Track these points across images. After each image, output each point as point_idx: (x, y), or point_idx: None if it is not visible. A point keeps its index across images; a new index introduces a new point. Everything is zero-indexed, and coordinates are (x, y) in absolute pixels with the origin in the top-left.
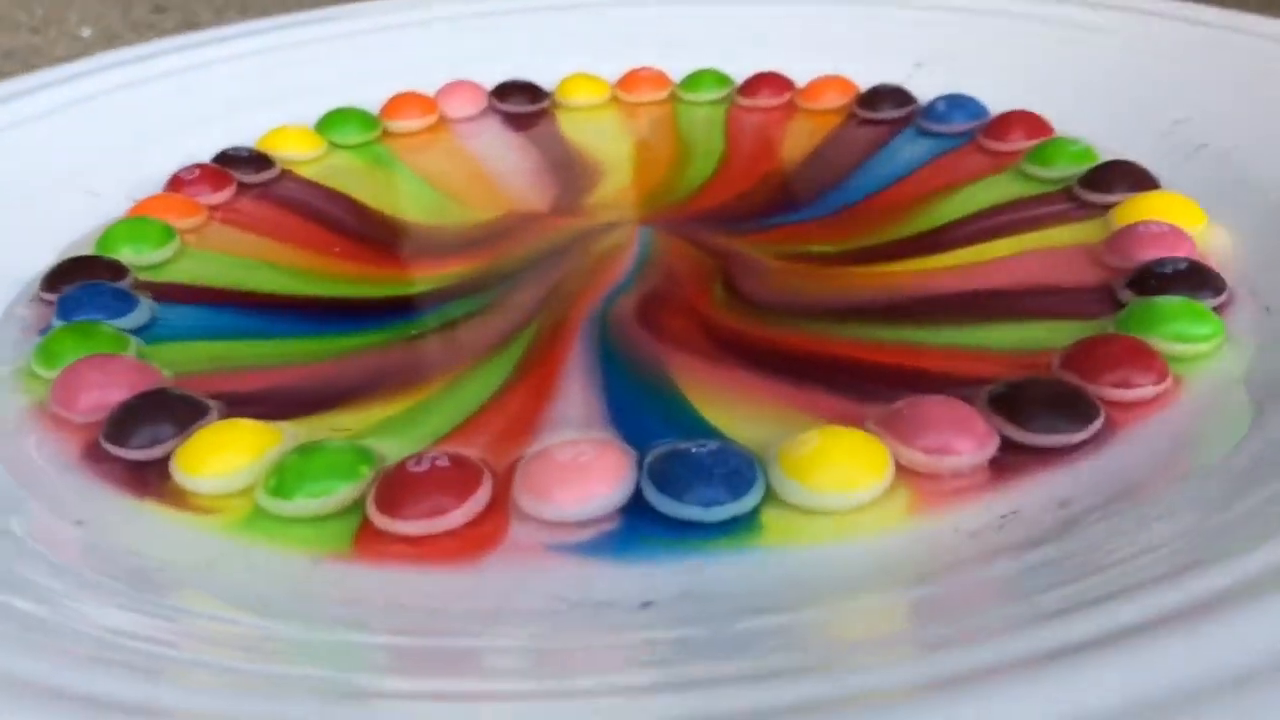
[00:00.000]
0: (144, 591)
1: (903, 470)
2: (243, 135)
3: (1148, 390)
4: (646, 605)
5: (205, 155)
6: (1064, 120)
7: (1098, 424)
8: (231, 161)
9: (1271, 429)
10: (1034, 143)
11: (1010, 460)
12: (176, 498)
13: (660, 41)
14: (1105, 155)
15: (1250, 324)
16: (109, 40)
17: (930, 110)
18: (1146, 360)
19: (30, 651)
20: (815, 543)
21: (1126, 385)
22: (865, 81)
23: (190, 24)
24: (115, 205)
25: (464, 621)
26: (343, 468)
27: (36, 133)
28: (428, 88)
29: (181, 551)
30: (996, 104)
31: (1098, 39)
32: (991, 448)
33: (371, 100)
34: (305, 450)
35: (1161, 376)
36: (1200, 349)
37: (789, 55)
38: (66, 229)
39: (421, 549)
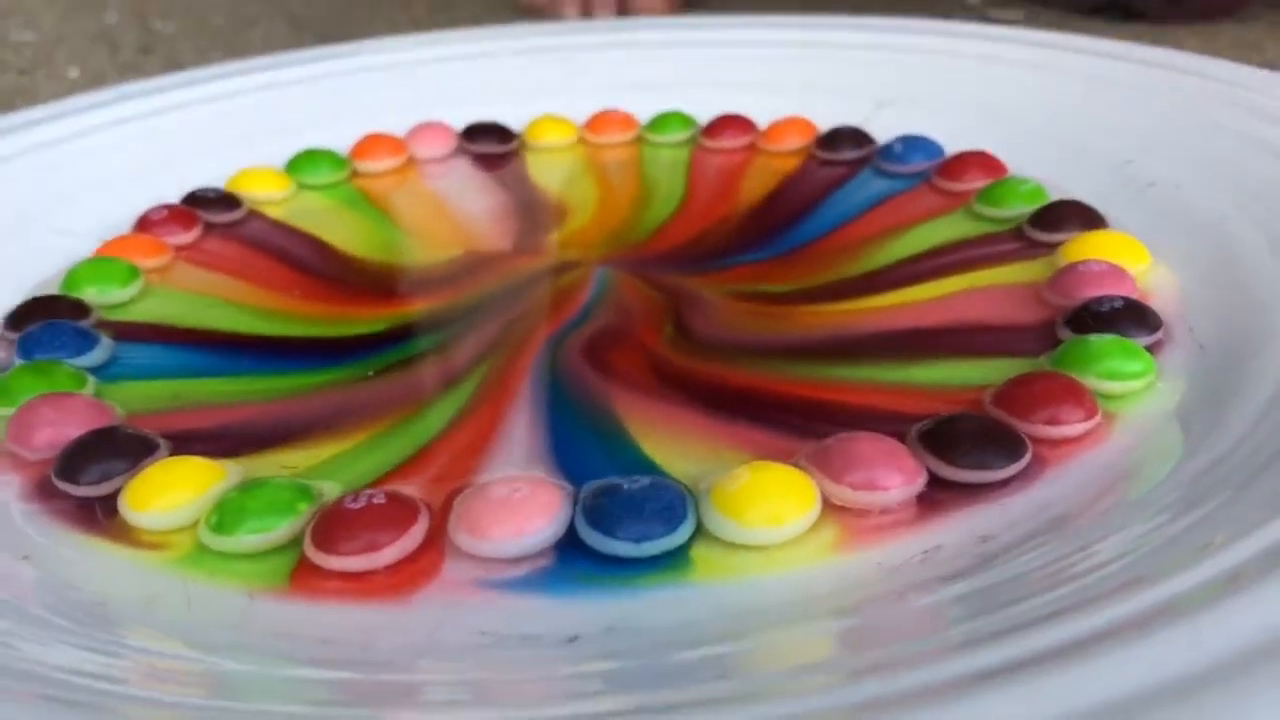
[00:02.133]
0: (86, 626)
1: (830, 506)
2: (214, 175)
3: (1076, 427)
4: (573, 640)
5: (176, 195)
6: (1018, 159)
7: (1024, 460)
8: (200, 202)
9: (1199, 461)
10: (986, 181)
11: (937, 496)
12: (122, 533)
13: (628, 84)
14: (1056, 194)
15: (1184, 362)
16: (95, 81)
17: (887, 151)
18: (1076, 398)
19: None
20: (743, 577)
21: (1055, 422)
22: (827, 122)
23: (175, 65)
24: (85, 244)
25: (394, 655)
26: (281, 505)
27: (7, 173)
28: (398, 129)
29: (124, 587)
30: (954, 144)
31: (1053, 80)
32: (919, 484)
33: (343, 141)
34: (246, 487)
35: (1090, 414)
36: (1131, 386)
37: (754, 96)
38: (35, 268)
39: (355, 585)
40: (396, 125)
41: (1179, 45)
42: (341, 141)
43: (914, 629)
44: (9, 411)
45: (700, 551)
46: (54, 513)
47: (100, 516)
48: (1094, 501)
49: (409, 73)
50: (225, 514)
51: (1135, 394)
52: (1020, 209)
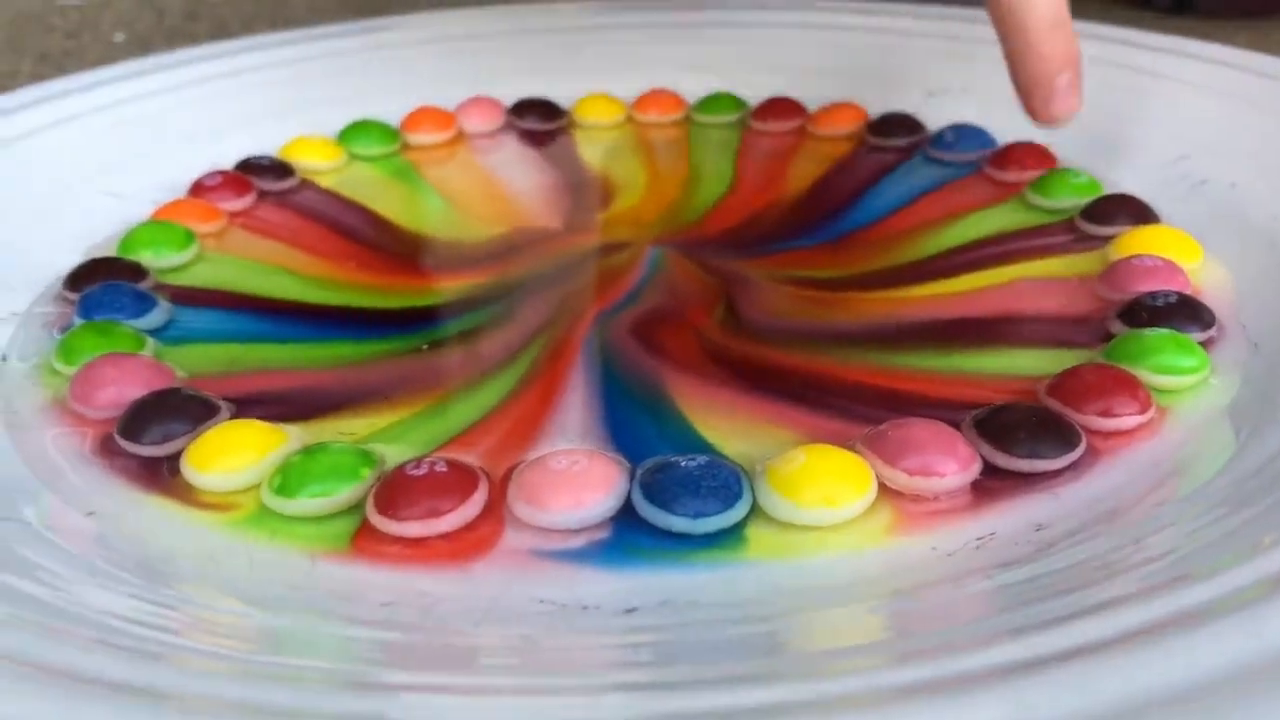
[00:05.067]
0: (149, 581)
1: (886, 490)
2: (266, 144)
3: (1130, 420)
4: (630, 611)
5: (228, 162)
6: (1069, 153)
7: (1079, 451)
8: (253, 169)
9: (1250, 459)
10: (1038, 173)
11: (991, 484)
12: (185, 493)
13: (678, 64)
14: (1108, 187)
15: (1237, 358)
16: (141, 46)
17: (938, 139)
18: (1130, 391)
19: (38, 634)
20: (797, 557)
21: (1109, 414)
22: (878, 109)
23: (220, 32)
24: (139, 208)
25: (453, 620)
26: (344, 469)
27: (63, 136)
28: (449, 102)
29: (187, 544)
30: (1005, 136)
31: (1105, 74)
32: (973, 471)
33: (393, 113)
34: (309, 451)
35: (1144, 407)
36: (1185, 381)
37: (805, 80)
38: (90, 230)
39: (416, 550)
40: (447, 99)
41: (1230, 41)
42: (393, 113)
43: (966, 614)
44: (71, 370)
45: (755, 530)
46: (118, 470)
47: (164, 475)
48: (1146, 495)
49: (460, 46)
50: (289, 477)
51: (1188, 389)
52: (1073, 201)
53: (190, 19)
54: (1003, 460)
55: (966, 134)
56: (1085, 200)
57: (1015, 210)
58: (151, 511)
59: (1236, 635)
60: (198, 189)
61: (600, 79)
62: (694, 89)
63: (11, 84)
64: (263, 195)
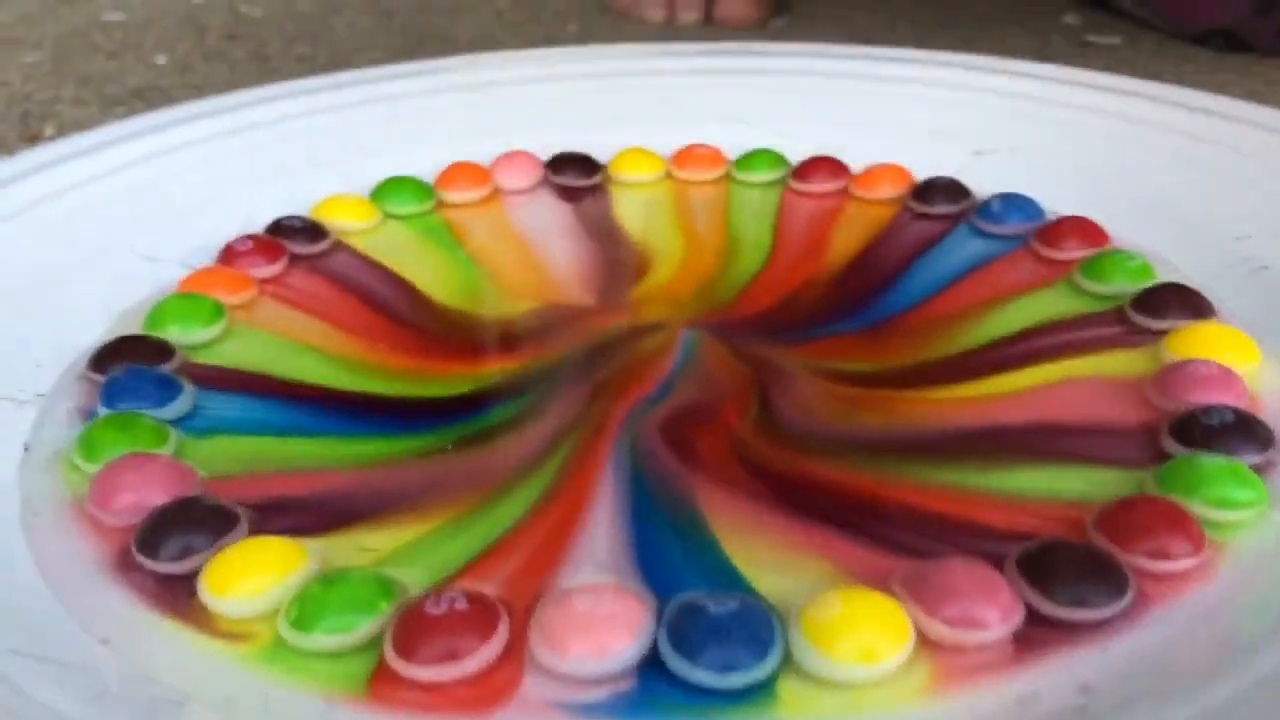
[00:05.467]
0: None
1: (924, 640)
2: (299, 197)
3: (1183, 563)
4: None
5: (261, 218)
6: (1120, 225)
7: (1128, 599)
8: (285, 231)
9: None
10: (1088, 252)
11: (1034, 633)
12: (202, 619)
13: (720, 114)
14: (1161, 267)
15: None
16: (181, 70)
17: (985, 209)
18: (1184, 528)
19: None
20: (830, 718)
21: (1161, 556)
22: (922, 165)
23: (261, 54)
24: (171, 271)
25: None
26: (362, 601)
27: (92, 195)
28: (484, 152)
29: (203, 684)
30: (1052, 199)
31: (1164, 139)
32: (1016, 620)
33: (427, 163)
34: (327, 580)
35: (1199, 547)
36: (1242, 516)
37: (849, 134)
38: (121, 296)
39: (434, 697)
40: (482, 149)
41: None
42: (426, 164)
43: None
44: (92, 466)
45: (787, 684)
46: (134, 588)
47: (182, 597)
48: (1201, 648)
49: (496, 94)
50: (305, 608)
51: (1245, 524)
52: (1124, 287)
53: (230, 39)
54: (1047, 607)
55: (1014, 205)
56: (1138, 286)
57: (1063, 295)
58: (167, 639)
59: None
60: (228, 255)
61: (640, 128)
62: (735, 141)
63: (53, 111)
64: (294, 259)
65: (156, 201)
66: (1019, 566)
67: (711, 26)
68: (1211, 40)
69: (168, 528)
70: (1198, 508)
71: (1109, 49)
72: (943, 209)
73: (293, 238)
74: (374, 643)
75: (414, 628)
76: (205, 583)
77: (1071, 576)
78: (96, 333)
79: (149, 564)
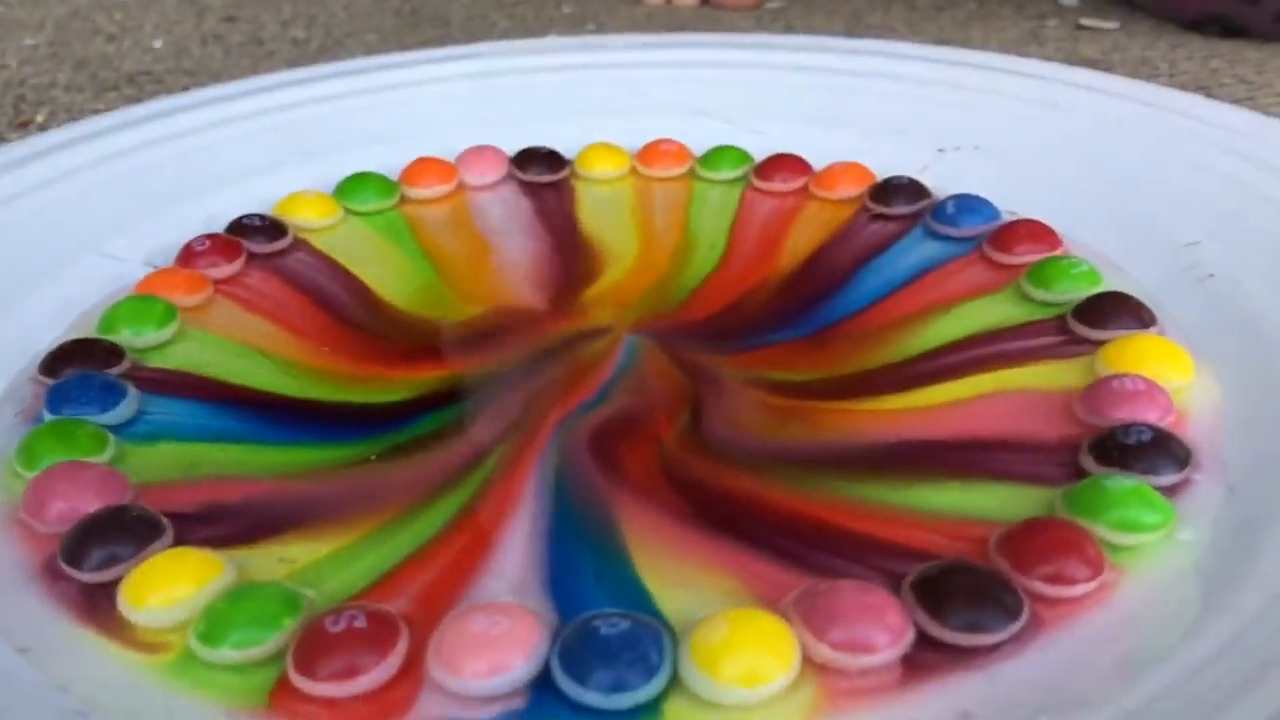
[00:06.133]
0: None
1: (811, 662)
2: (264, 195)
3: (1080, 588)
4: None
5: (225, 216)
6: (1076, 226)
7: (1020, 623)
8: (244, 230)
9: (1216, 635)
10: (1038, 257)
11: (924, 657)
12: (118, 629)
13: (687, 107)
14: (1111, 273)
15: (1210, 505)
16: (178, 53)
17: (939, 211)
18: (1082, 552)
19: None
20: None
21: (1057, 581)
22: (886, 162)
23: (257, 37)
24: (135, 271)
25: None
26: (268, 617)
27: (57, 194)
28: (453, 144)
29: (110, 695)
30: (1014, 199)
31: (1126, 140)
32: (904, 644)
33: (394, 158)
34: (235, 595)
35: (1096, 572)
36: (1146, 539)
37: (815, 129)
38: (84, 297)
39: (332, 712)
40: (451, 141)
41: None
42: (394, 157)
43: None
44: (30, 474)
45: (674, 706)
46: (59, 597)
47: (103, 606)
48: (1091, 672)
49: (469, 86)
50: (212, 624)
51: (1149, 547)
52: (1069, 294)
53: (228, 21)
54: (936, 631)
55: (969, 206)
56: (1083, 292)
57: (1008, 302)
58: (85, 648)
59: None
60: (187, 255)
61: (609, 120)
62: (705, 136)
63: (47, 96)
64: (253, 258)
65: (122, 200)
66: (913, 589)
67: (709, 7)
68: (1206, 27)
69: (93, 537)
70: (1101, 531)
71: (1104, 34)
72: (900, 209)
73: (251, 236)
74: (278, 657)
75: (314, 644)
76: (124, 593)
77: (964, 600)
78: (56, 334)
79: (73, 573)
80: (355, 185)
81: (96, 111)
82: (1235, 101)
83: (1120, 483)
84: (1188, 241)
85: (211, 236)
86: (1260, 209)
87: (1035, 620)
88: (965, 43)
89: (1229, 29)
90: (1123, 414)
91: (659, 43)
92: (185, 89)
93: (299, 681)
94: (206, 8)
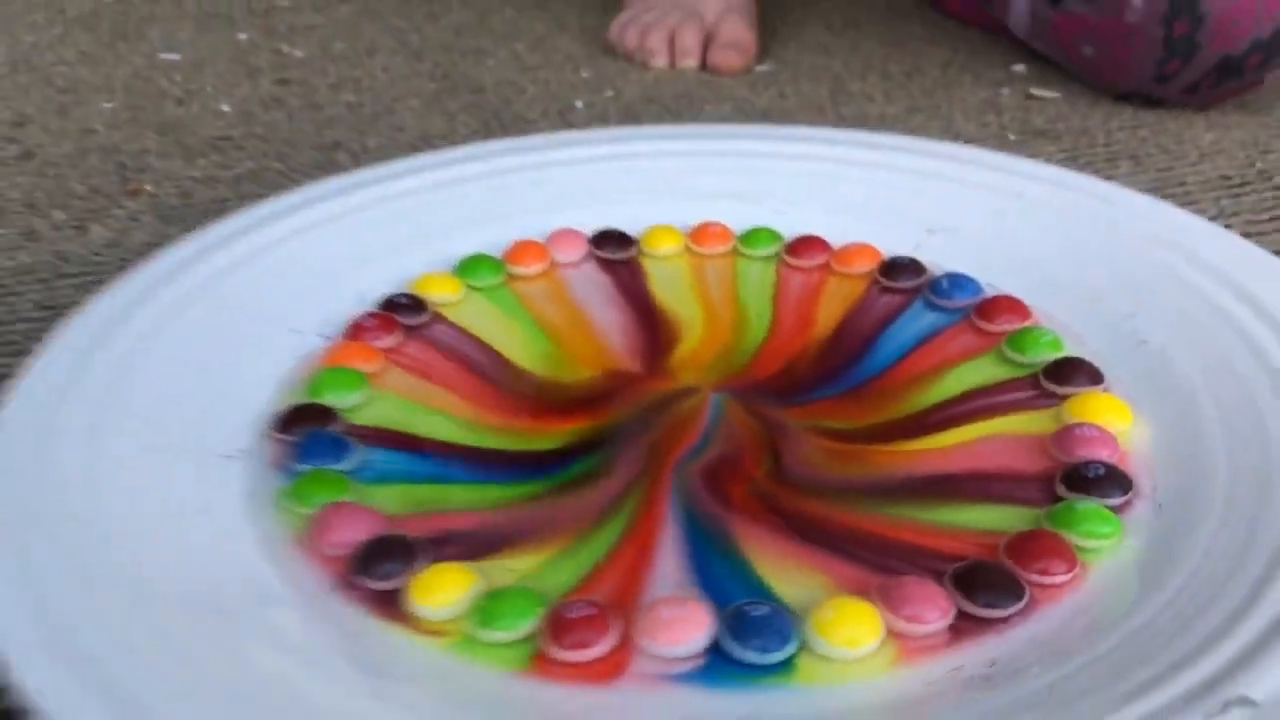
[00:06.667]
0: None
1: (890, 630)
2: (395, 274)
3: (1061, 578)
4: None
5: (369, 293)
6: (1042, 299)
7: (1024, 602)
8: (395, 307)
9: (1151, 606)
10: (1014, 326)
11: (962, 626)
12: (409, 621)
13: (726, 193)
14: (1069, 339)
15: (1146, 520)
16: (246, 118)
17: (936, 286)
18: (1063, 554)
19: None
20: (829, 684)
21: (1047, 573)
22: (887, 240)
23: (313, 101)
24: (310, 341)
25: None
26: (524, 608)
27: (246, 275)
28: (533, 227)
29: (409, 666)
30: (992, 276)
31: (1080, 228)
32: (950, 617)
33: (494, 238)
34: (496, 594)
35: (1072, 566)
36: (1103, 544)
37: (828, 213)
38: (278, 362)
39: (575, 671)
40: (531, 225)
41: (1196, 140)
42: (492, 239)
43: None
44: (303, 509)
45: (803, 661)
46: (357, 600)
47: (390, 606)
48: (1070, 633)
49: (541, 175)
50: (486, 614)
51: (1106, 550)
52: (1039, 357)
53: (281, 84)
54: (970, 608)
55: (958, 283)
56: (1049, 357)
57: (993, 363)
58: (386, 636)
59: None
60: (356, 330)
61: (662, 204)
62: (739, 217)
63: (145, 163)
64: (407, 331)
65: (290, 281)
66: (952, 580)
67: (705, 72)
68: (1132, 98)
69: (375, 557)
70: (1074, 539)
71: (1050, 102)
72: (904, 284)
73: (402, 312)
74: (532, 636)
75: (559, 625)
76: (412, 596)
77: (986, 588)
78: (266, 396)
79: (364, 583)
80: (472, 265)
81: (194, 179)
82: (1159, 169)
83: (1085, 505)
84: (1127, 314)
85: (373, 314)
86: (1178, 287)
87: (1032, 600)
88: (934, 109)
89: (1149, 101)
90: (1084, 454)
91: (692, 134)
92: (263, 154)
93: (552, 651)
94: (256, 70)
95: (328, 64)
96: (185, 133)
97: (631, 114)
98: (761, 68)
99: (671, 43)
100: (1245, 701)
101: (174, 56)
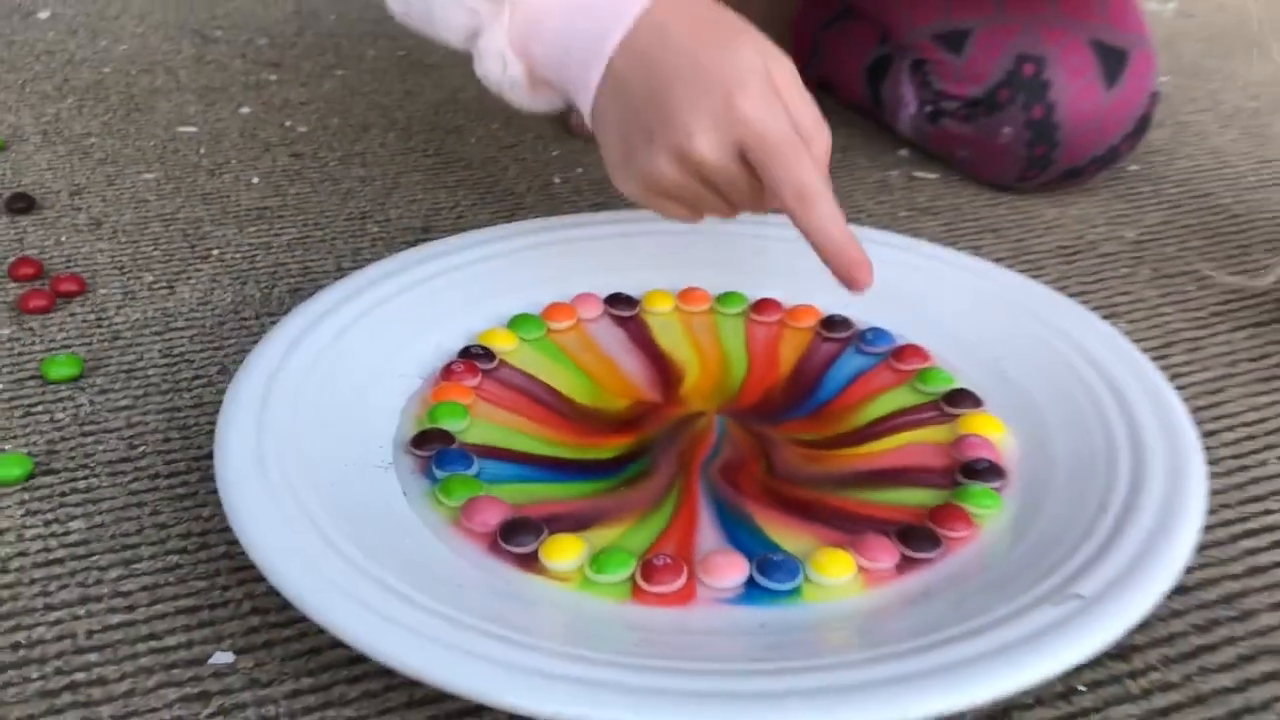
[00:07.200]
0: (527, 610)
1: (860, 567)
2: (462, 329)
3: (963, 533)
4: (761, 626)
5: (447, 344)
6: (940, 346)
7: (941, 549)
8: (473, 355)
9: (1019, 551)
10: (920, 366)
11: (904, 565)
12: (542, 571)
13: (703, 261)
14: (957, 375)
15: (1013, 498)
16: (276, 191)
17: (863, 337)
18: (964, 519)
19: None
20: (824, 601)
21: (954, 530)
22: (823, 300)
23: (330, 175)
24: (411, 381)
25: (677, 633)
26: (625, 559)
27: (356, 335)
28: (557, 293)
29: (549, 600)
30: (903, 329)
31: (964, 295)
32: (896, 558)
33: (533, 300)
34: (602, 553)
35: (970, 526)
36: (990, 512)
37: (780, 279)
38: (398, 395)
39: (661, 599)
40: (560, 289)
41: (1042, 216)
42: (527, 301)
43: (895, 626)
44: (451, 502)
45: (806, 587)
46: (506, 560)
47: (528, 563)
48: (970, 569)
49: (564, 248)
50: (599, 565)
51: (990, 516)
52: (938, 389)
53: (295, 158)
54: (909, 552)
55: (878, 334)
56: (944, 389)
57: (907, 393)
58: (528, 581)
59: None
60: (448, 373)
61: (657, 273)
62: (715, 283)
63: (204, 231)
64: (485, 373)
65: (388, 337)
66: (896, 536)
67: None
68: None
69: (515, 531)
70: (970, 509)
71: (930, 182)
72: (839, 335)
73: (479, 359)
74: (631, 578)
75: (650, 570)
76: (545, 555)
77: (918, 540)
78: (394, 423)
79: (510, 548)
80: (521, 322)
81: (251, 245)
82: (1014, 240)
83: (976, 487)
84: (997, 357)
85: (460, 360)
86: (1030, 338)
87: (946, 548)
88: (840, 189)
89: (1014, 188)
90: (973, 454)
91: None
92: (303, 223)
93: (646, 586)
94: (269, 143)
95: (330, 139)
96: (228, 203)
97: (602, 189)
98: None
99: None
100: (1077, 596)
101: (192, 129)
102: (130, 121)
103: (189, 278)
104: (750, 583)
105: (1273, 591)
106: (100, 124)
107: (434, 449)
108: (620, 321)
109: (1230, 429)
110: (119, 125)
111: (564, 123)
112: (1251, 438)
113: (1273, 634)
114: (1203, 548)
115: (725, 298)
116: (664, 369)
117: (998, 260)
